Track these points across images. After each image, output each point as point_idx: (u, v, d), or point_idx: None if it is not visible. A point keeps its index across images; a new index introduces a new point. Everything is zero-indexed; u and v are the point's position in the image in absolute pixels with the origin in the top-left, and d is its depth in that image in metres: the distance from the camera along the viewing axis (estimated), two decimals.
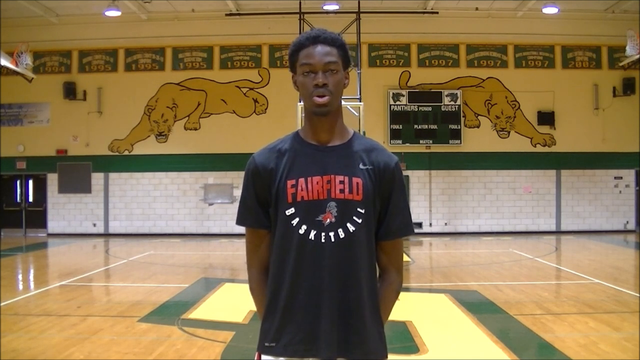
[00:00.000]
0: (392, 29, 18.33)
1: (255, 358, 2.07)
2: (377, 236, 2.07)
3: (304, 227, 1.98)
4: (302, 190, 1.99)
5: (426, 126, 18.36)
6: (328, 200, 1.99)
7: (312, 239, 1.98)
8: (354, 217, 1.99)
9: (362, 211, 2.00)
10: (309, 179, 2.00)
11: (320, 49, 2.01)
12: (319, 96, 1.98)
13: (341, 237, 1.98)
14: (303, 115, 2.18)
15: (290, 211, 1.99)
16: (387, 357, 2.09)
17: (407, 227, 2.10)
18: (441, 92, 18.38)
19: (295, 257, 1.98)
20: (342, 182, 2.00)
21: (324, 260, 1.97)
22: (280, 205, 2.01)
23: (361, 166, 2.03)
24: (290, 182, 2.00)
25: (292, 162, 2.02)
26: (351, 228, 1.99)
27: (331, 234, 1.98)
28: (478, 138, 18.53)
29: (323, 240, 1.98)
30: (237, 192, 17.06)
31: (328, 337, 1.96)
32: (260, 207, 2.06)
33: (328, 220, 1.98)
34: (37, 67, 18.35)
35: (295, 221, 1.99)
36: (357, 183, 2.00)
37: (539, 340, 5.95)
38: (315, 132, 2.06)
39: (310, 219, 1.98)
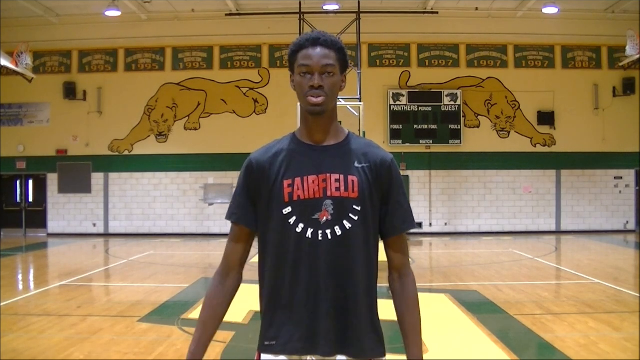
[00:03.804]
0: (392, 29, 18.33)
1: (255, 357, 2.08)
2: (383, 233, 2.10)
3: (300, 225, 2.00)
4: (298, 189, 2.01)
5: (426, 126, 18.36)
6: (324, 199, 2.00)
7: (309, 237, 1.99)
8: (351, 215, 2.01)
9: (359, 209, 2.02)
10: (305, 178, 2.01)
11: (319, 50, 2.03)
12: (313, 96, 2.00)
13: (338, 234, 2.00)
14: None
15: (287, 210, 2.01)
16: (384, 355, 2.10)
17: (410, 221, 2.13)
18: (441, 92, 18.38)
19: (293, 255, 2.00)
20: (337, 180, 2.02)
21: (321, 257, 1.99)
22: (277, 204, 2.02)
23: (356, 164, 2.05)
24: (286, 182, 2.02)
25: (289, 162, 2.04)
26: (348, 225, 2.00)
27: (328, 231, 1.99)
28: (478, 138, 18.54)
29: (320, 238, 1.99)
30: None
31: (326, 334, 1.98)
32: (250, 205, 2.08)
33: (324, 218, 2.00)
34: (37, 67, 18.36)
35: (292, 220, 2.00)
36: (353, 181, 2.02)
37: (539, 340, 5.95)
38: (311, 133, 2.08)
39: (307, 218, 2.00)
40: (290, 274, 2.00)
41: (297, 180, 2.01)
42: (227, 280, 2.11)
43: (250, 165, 2.08)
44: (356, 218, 2.01)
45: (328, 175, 2.02)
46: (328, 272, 1.98)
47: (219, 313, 2.09)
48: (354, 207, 2.01)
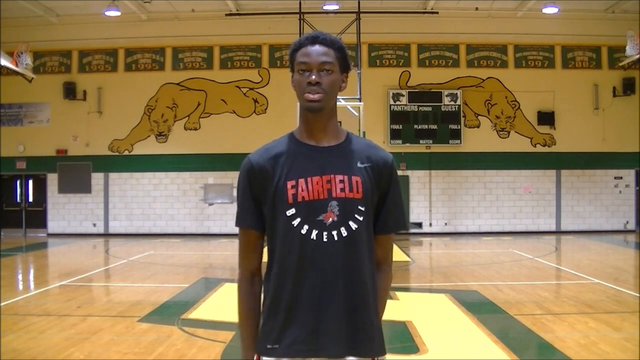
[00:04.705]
0: (392, 29, 18.33)
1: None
2: (374, 230, 2.10)
3: (305, 227, 1.99)
4: (302, 190, 2.00)
5: (426, 126, 18.36)
6: (329, 200, 2.00)
7: (314, 238, 1.98)
8: (356, 215, 2.01)
9: (363, 209, 2.02)
10: (309, 179, 2.00)
11: (317, 48, 2.03)
12: (310, 93, 2.00)
13: (344, 235, 1.99)
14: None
15: (291, 212, 1.99)
16: (385, 354, 2.10)
17: (402, 222, 2.15)
18: (441, 92, 18.38)
19: (297, 257, 1.98)
20: (342, 181, 2.01)
21: (326, 259, 1.98)
22: (280, 206, 2.00)
23: (359, 164, 2.05)
24: (290, 183, 2.00)
25: (291, 163, 2.03)
26: (353, 226, 2.00)
27: (334, 232, 1.99)
28: (478, 138, 18.53)
29: (325, 240, 1.98)
30: None
31: (335, 335, 1.97)
32: (256, 207, 2.07)
33: (330, 220, 1.99)
34: (37, 67, 18.35)
35: (296, 221, 1.99)
36: (357, 181, 2.02)
37: (539, 340, 5.95)
38: (310, 132, 2.07)
39: (312, 219, 1.99)
40: (294, 276, 1.99)
41: (301, 181, 2.00)
42: (254, 287, 2.12)
43: (251, 167, 2.06)
44: (361, 218, 2.01)
45: (332, 176, 2.01)
46: (334, 273, 1.98)
47: (258, 318, 2.13)
48: (359, 207, 2.01)
